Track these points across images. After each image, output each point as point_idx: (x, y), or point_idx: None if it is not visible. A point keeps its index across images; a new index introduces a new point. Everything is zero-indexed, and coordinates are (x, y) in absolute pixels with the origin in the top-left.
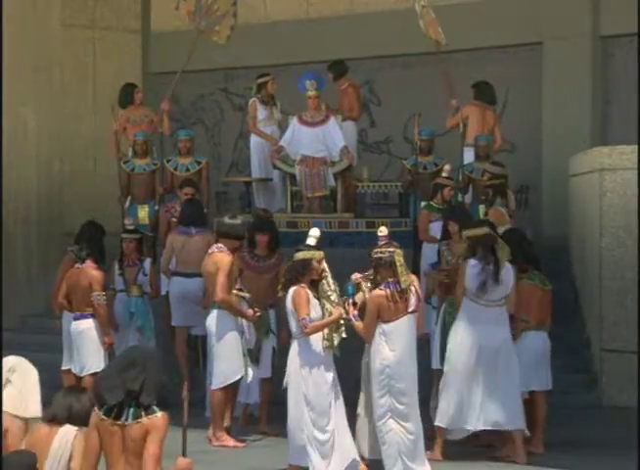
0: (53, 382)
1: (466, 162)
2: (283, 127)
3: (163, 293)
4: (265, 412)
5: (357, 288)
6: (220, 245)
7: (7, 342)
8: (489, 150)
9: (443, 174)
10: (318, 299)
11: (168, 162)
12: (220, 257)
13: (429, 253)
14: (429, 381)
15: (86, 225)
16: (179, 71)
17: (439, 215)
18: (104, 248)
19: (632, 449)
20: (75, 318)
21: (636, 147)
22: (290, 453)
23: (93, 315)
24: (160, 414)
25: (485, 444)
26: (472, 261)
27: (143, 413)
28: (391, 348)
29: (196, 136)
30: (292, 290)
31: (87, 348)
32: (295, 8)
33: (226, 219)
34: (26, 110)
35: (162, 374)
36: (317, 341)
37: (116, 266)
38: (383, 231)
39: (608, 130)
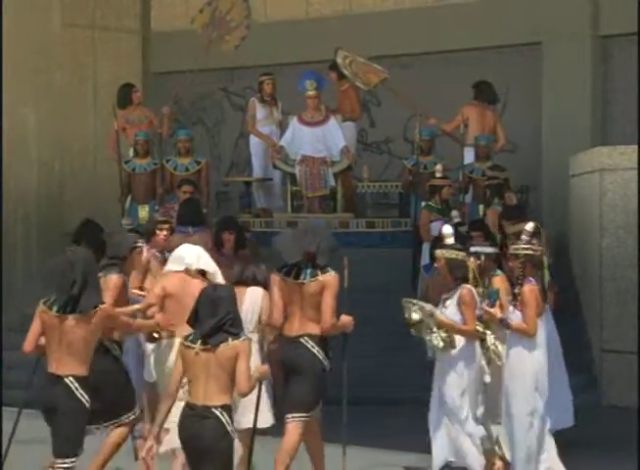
0: None
1: (466, 162)
2: (283, 127)
3: None
4: None
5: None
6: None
7: (7, 341)
8: (489, 150)
9: (437, 175)
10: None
11: (168, 162)
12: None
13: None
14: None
15: (81, 225)
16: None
17: (439, 216)
18: (103, 246)
19: (632, 449)
20: None
21: (636, 147)
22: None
23: None
24: (333, 273)
25: None
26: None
27: (319, 272)
28: (540, 344)
29: (196, 136)
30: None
31: None
32: (294, 8)
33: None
34: (26, 110)
35: (334, 240)
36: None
37: None
38: (532, 227)
39: (608, 130)
